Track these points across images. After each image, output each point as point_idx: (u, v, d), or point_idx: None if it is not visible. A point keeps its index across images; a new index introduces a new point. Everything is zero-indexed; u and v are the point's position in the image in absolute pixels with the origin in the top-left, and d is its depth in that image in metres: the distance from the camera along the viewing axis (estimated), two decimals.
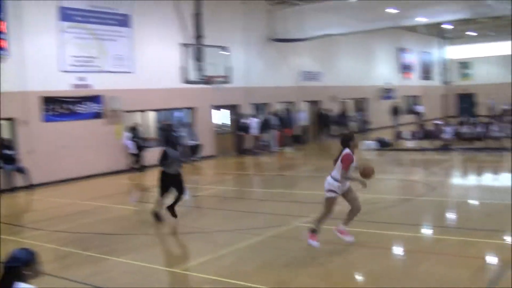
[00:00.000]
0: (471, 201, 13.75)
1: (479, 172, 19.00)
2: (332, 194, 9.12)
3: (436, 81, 49.61)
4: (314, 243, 9.20)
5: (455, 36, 48.50)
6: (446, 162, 20.95)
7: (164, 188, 12.03)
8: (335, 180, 9.05)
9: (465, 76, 50.35)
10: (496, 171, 19.05)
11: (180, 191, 12.06)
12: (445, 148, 23.84)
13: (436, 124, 26.48)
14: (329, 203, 9.19)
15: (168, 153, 11.99)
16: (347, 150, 9.06)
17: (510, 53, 46.87)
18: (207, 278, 8.09)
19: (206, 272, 8.37)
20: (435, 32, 46.67)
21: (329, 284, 7.76)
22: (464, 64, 50.41)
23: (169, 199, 12.08)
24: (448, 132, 24.65)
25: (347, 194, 9.25)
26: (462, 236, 9.69)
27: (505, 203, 12.68)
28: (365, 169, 9.25)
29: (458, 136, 24.65)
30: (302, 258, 8.81)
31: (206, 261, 9.01)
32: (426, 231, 10.73)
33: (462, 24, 40.18)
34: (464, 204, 13.22)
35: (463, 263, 8.28)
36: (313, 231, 9.28)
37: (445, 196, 14.30)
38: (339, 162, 9.02)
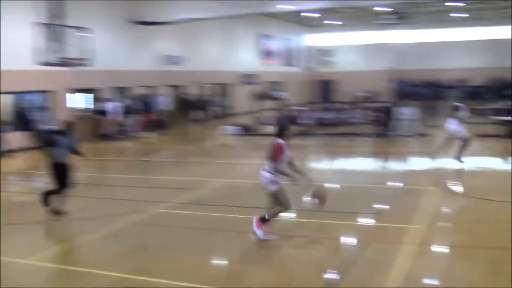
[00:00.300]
0: (330, 184, 14.09)
1: (337, 156, 19.62)
2: (278, 185, 8.50)
3: (298, 67, 50.79)
4: (271, 236, 8.60)
5: (318, 24, 49.88)
6: (306, 147, 21.44)
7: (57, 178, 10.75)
8: (271, 172, 8.47)
9: (326, 63, 52.00)
10: (353, 155, 19.74)
11: (64, 183, 10.76)
12: (306, 133, 24.42)
13: (297, 110, 27.07)
14: (282, 193, 8.55)
15: (54, 139, 10.74)
16: (279, 140, 8.47)
17: (370, 43, 49.25)
18: (61, 269, 7.66)
19: (60, 261, 7.93)
20: (298, 20, 47.68)
21: (188, 268, 7.60)
22: (326, 52, 52.04)
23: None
24: (309, 117, 25.27)
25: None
26: (320, 218, 9.87)
27: (362, 185, 13.17)
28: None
29: (319, 121, 25.34)
30: (162, 244, 8.59)
31: (61, 250, 8.55)
32: (286, 214, 10.81)
33: (325, 12, 41.37)
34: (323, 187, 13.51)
35: (320, 244, 8.44)
36: (263, 220, 8.62)
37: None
38: (271, 153, 8.45)
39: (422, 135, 23.02)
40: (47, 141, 11.07)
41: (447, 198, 11.91)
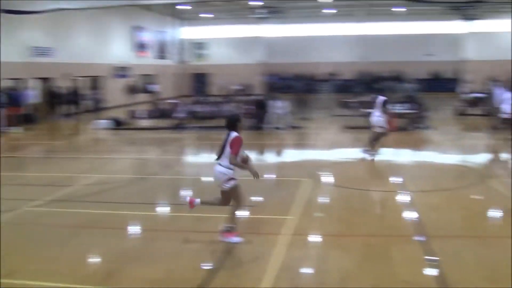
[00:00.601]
0: (204, 178, 14.15)
1: (212, 149, 19.65)
2: (233, 182, 8.15)
3: (171, 60, 50.46)
4: (236, 239, 8.16)
5: (191, 17, 49.80)
6: (180, 140, 21.39)
7: None
8: (228, 168, 8.11)
9: (200, 56, 52.06)
10: None
11: None
12: (180, 126, 24.35)
13: (171, 103, 26.92)
14: (236, 191, 8.22)
15: None
16: (235, 133, 8.15)
17: (243, 36, 49.88)
18: None
19: None
20: (171, 12, 47.36)
21: (60, 267, 7.35)
22: (199, 45, 52.06)
23: None
24: (182, 111, 25.20)
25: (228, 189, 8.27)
26: (195, 212, 9.88)
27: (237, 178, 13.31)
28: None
29: (192, 115, 25.33)
30: (32, 244, 8.26)
31: None
32: (161, 209, 10.76)
33: (198, 5, 41.39)
34: (197, 181, 13.57)
35: (196, 237, 8.47)
36: (229, 229, 8.19)
37: (179, 174, 14.56)
38: (227, 147, 8.07)
39: (294, 127, 23.66)
40: None
41: (319, 188, 12.32)
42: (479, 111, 27.85)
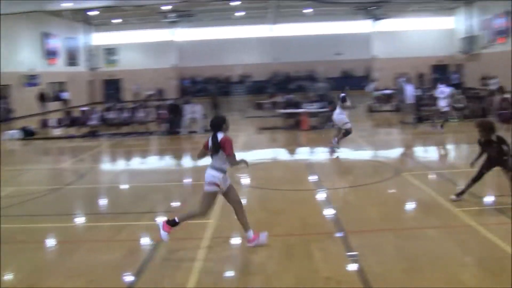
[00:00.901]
0: (121, 186, 13.98)
1: (127, 156, 19.45)
2: (215, 188, 7.93)
3: (82, 67, 49.38)
4: (165, 234, 7.87)
5: (101, 22, 48.89)
6: (94, 148, 20.97)
7: None
8: (220, 171, 7.95)
9: (111, 62, 51.18)
10: (143, 154, 19.70)
11: None
12: (92, 134, 23.90)
13: (83, 111, 26.38)
14: (210, 198, 7.99)
15: None
16: (222, 134, 7.98)
17: (155, 40, 49.41)
18: None
19: None
20: (81, 18, 46.36)
21: None
22: (110, 50, 51.18)
23: None
24: (94, 118, 24.74)
25: (228, 193, 8.20)
26: (113, 221, 9.77)
27: (153, 184, 13.23)
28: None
29: (105, 121, 24.90)
30: None
31: None
32: (78, 219, 10.52)
33: (108, 11, 40.72)
34: (114, 189, 13.37)
35: (116, 247, 8.35)
36: (171, 223, 7.93)
37: (95, 183, 14.29)
38: (219, 149, 7.88)
39: (208, 131, 23.64)
40: None
41: (238, 190, 12.32)
42: (389, 107, 28.81)
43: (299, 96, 27.72)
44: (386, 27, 48.66)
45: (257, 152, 18.34)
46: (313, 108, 23.54)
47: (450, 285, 6.49)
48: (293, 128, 23.17)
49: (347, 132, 16.54)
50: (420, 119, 23.36)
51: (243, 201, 11.13)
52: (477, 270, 6.93)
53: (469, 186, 9.93)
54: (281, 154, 18.72)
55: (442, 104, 20.28)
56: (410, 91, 22.83)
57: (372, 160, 15.84)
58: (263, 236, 8.11)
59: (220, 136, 7.95)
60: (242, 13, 45.70)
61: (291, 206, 10.54)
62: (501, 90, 22.72)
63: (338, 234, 8.51)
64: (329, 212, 10.02)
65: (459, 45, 48.19)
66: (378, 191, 11.62)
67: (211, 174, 7.93)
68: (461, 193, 9.98)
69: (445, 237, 8.24)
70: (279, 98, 28.58)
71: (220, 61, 49.98)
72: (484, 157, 9.88)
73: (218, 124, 8.09)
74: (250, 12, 45.52)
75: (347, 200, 10.82)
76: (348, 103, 16.52)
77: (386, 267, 7.12)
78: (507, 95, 21.62)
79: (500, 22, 42.98)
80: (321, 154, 17.90)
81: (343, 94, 16.53)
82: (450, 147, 17.21)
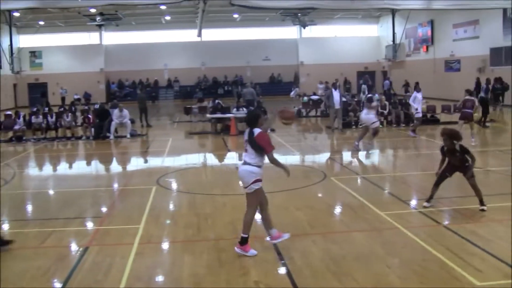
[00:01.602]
0: (48, 191, 13.75)
1: (54, 161, 19.10)
2: (259, 185, 7.80)
3: (5, 70, 47.87)
4: (252, 251, 7.86)
5: (25, 24, 47.57)
6: (19, 153, 20.48)
7: None
8: (257, 166, 7.75)
9: (35, 65, 49.87)
10: (70, 159, 19.40)
11: None
12: (18, 139, 23.33)
13: (7, 115, 25.72)
14: (258, 195, 7.89)
15: None
16: (258, 130, 7.71)
17: (82, 44, 48.47)
18: None
19: None
20: (4, 20, 44.99)
21: None
22: (34, 53, 49.87)
23: None
24: (19, 122, 24.16)
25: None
26: (41, 227, 9.62)
27: (81, 189, 13.09)
28: (284, 112, 8.35)
29: (31, 126, 24.36)
30: None
31: None
32: (4, 226, 10.30)
33: (34, 12, 39.73)
34: (41, 195, 13.13)
35: (44, 253, 8.23)
36: (243, 241, 7.88)
37: (20, 188, 13.99)
38: (253, 145, 7.68)
39: (137, 135, 23.55)
40: None
41: (167, 195, 12.38)
42: (316, 113, 29.38)
43: (227, 101, 27.91)
44: (313, 33, 49.53)
45: (186, 157, 18.38)
46: (241, 113, 23.76)
47: (377, 286, 6.73)
48: (222, 133, 23.32)
49: (376, 131, 17.46)
50: (347, 125, 23.96)
51: (173, 206, 11.26)
52: (403, 271, 7.18)
53: (434, 190, 10.22)
54: (210, 159, 18.83)
55: (419, 108, 20.66)
56: (337, 96, 23.34)
57: (300, 165, 16.14)
58: (253, 252, 7.88)
59: (257, 131, 7.73)
60: (169, 18, 45.54)
61: (220, 210, 10.64)
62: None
63: (267, 238, 8.65)
64: (258, 216, 10.17)
65: (385, 53, 49.59)
66: (306, 195, 11.86)
67: (250, 171, 7.76)
68: (430, 198, 10.26)
69: (372, 240, 8.53)
70: (207, 103, 28.68)
71: (148, 66, 49.65)
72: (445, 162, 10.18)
73: (254, 119, 7.83)
74: (178, 17, 45.39)
75: (276, 204, 10.98)
76: (374, 103, 17.51)
77: (315, 270, 7.28)
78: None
79: (424, 31, 44.59)
80: None
81: (370, 95, 17.29)
82: (375, 151, 17.68)
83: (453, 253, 7.67)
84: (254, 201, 7.94)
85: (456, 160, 9.92)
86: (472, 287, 6.55)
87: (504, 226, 8.95)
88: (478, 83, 33.21)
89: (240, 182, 8.10)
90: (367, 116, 17.32)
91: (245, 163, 7.82)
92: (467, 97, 18.74)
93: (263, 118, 7.89)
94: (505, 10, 31.96)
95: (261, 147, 7.66)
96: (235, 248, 7.91)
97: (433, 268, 7.23)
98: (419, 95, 20.46)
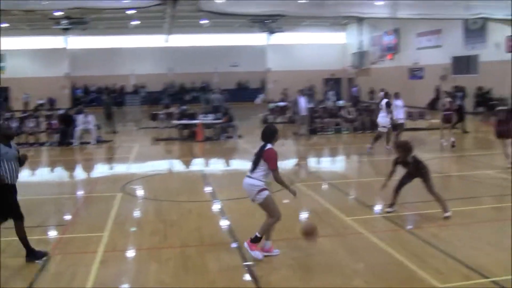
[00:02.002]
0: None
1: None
2: (266, 192, 7.83)
3: None
4: (258, 253, 7.86)
5: None
6: None
7: None
8: (259, 180, 7.79)
9: None
10: (33, 166, 18.97)
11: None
12: None
13: None
14: (270, 201, 7.92)
15: None
16: (269, 145, 7.79)
17: (46, 47, 47.72)
18: None
19: None
20: None
21: None
22: None
23: None
24: None
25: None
26: (4, 236, 9.29)
27: (43, 197, 12.84)
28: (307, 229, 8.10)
29: None
30: None
31: None
32: None
33: None
34: None
35: (4, 264, 7.98)
36: (254, 240, 7.88)
37: None
38: (261, 160, 7.74)
39: (102, 141, 23.24)
40: None
41: (133, 202, 12.22)
42: (283, 119, 29.39)
43: (194, 107, 27.77)
44: (281, 40, 49.64)
45: (152, 163, 18.18)
46: (208, 119, 23.64)
47: None
48: (188, 139, 23.15)
49: (382, 134, 18.41)
50: (313, 131, 24.01)
51: (139, 214, 11.11)
52: (368, 275, 7.25)
53: (395, 196, 10.32)
54: (177, 165, 18.67)
55: (400, 116, 20.64)
56: (303, 103, 23.38)
57: None
58: (259, 255, 7.88)
59: (266, 147, 7.82)
60: (137, 22, 45.17)
61: (186, 217, 10.55)
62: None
63: (233, 245, 8.59)
64: (224, 222, 10.11)
65: (351, 60, 49.99)
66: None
67: (251, 184, 7.85)
68: (392, 204, 10.36)
69: (337, 245, 8.56)
70: (174, 109, 28.49)
71: (115, 71, 49.15)
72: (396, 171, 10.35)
73: (269, 135, 7.96)
74: (146, 22, 45.06)
75: (240, 210, 10.94)
76: (391, 108, 18.19)
77: (282, 276, 7.29)
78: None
79: (389, 39, 45.11)
80: (216, 165, 18.05)
81: (386, 100, 18.16)
82: (341, 158, 17.77)
83: (416, 256, 7.84)
84: (268, 209, 7.96)
85: (412, 169, 10.08)
86: None
87: (464, 229, 9.20)
88: (437, 91, 35.20)
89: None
90: (384, 119, 18.08)
91: (248, 176, 7.92)
92: (448, 99, 19.66)
93: (279, 135, 8.02)
94: (466, 20, 32.72)
95: (266, 163, 7.73)
96: (245, 242, 7.98)
97: (397, 271, 7.37)
98: (397, 103, 20.73)
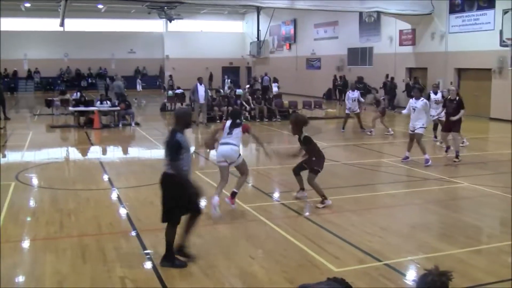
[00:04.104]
0: None
1: None
2: (242, 157, 9.83)
3: None
4: (233, 206, 9.80)
5: None
6: None
7: None
8: (238, 146, 9.71)
9: None
10: None
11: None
12: None
13: None
14: (245, 164, 9.89)
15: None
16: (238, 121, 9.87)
17: None
18: None
19: None
20: None
21: None
22: None
23: None
24: None
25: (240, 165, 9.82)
26: None
27: None
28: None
29: None
30: None
31: None
32: None
33: None
34: None
35: None
36: (233, 195, 9.75)
37: None
38: (238, 131, 9.58)
39: None
40: None
41: (28, 191, 11.95)
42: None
43: (91, 94, 27.30)
44: (179, 27, 49.44)
45: (48, 151, 17.80)
46: (105, 106, 23.34)
47: (242, 278, 6.96)
48: (85, 126, 22.76)
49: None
50: (212, 119, 24.24)
51: (34, 203, 10.91)
52: (266, 261, 7.46)
53: (298, 180, 10.51)
54: (73, 153, 18.35)
55: (355, 106, 21.11)
56: (201, 91, 23.49)
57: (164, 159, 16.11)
58: (233, 206, 9.84)
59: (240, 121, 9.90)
60: (28, 5, 43.63)
61: (84, 206, 10.47)
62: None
63: (131, 233, 8.66)
64: (122, 211, 10.14)
65: (249, 49, 50.57)
66: None
67: (236, 150, 9.60)
68: (300, 189, 10.59)
69: (236, 232, 8.80)
70: (69, 96, 27.89)
71: (7, 55, 47.15)
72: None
73: (240, 114, 10.78)
74: (39, 4, 43.61)
75: (139, 198, 11.00)
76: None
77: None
78: None
79: (287, 29, 46.00)
80: (114, 152, 17.93)
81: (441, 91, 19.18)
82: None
83: (313, 242, 8.14)
84: (244, 167, 9.83)
85: (307, 150, 10.15)
86: (330, 273, 6.85)
87: (357, 215, 9.66)
88: (334, 81, 37.31)
89: (221, 160, 9.68)
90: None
91: (229, 143, 9.57)
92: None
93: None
94: (361, 13, 33.92)
95: (246, 131, 9.75)
96: (226, 199, 9.78)
97: (295, 257, 7.60)
98: (352, 94, 21.31)
